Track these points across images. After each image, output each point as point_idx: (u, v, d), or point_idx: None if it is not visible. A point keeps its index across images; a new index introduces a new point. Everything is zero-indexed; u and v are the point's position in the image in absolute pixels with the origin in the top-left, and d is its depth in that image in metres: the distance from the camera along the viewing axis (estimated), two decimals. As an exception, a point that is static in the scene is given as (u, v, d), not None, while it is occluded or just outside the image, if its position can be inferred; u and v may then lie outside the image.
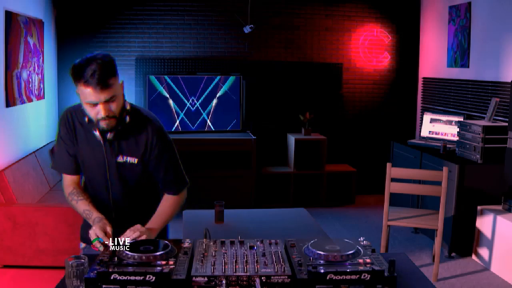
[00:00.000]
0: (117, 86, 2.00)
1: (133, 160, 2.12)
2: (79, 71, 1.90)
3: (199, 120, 5.96)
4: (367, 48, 6.45)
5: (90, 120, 2.03)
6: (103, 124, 2.00)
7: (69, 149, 2.15)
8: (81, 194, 2.17)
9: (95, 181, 2.19)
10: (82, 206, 2.13)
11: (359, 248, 1.79)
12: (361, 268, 1.63)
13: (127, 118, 2.07)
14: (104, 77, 1.92)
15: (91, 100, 1.93)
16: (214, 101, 5.97)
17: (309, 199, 6.05)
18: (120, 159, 2.11)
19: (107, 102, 1.95)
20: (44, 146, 5.18)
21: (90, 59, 1.93)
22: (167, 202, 2.23)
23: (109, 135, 2.05)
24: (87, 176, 2.21)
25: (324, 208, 5.90)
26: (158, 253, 1.71)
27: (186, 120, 5.93)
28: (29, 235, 3.93)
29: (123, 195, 2.19)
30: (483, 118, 4.96)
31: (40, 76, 5.25)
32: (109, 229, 2.00)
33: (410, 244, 4.80)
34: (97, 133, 2.04)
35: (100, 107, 1.95)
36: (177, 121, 5.91)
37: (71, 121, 2.14)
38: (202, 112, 5.96)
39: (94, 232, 1.96)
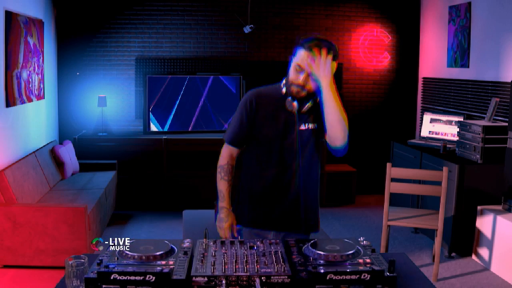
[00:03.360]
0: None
1: (314, 126, 2.28)
2: (312, 38, 2.15)
3: (199, 120, 5.96)
4: (367, 48, 6.45)
5: (287, 92, 2.20)
6: (294, 89, 2.18)
7: (248, 122, 2.27)
8: (228, 173, 2.32)
9: (274, 151, 2.27)
10: (221, 185, 2.31)
11: (359, 248, 1.79)
12: (361, 268, 1.63)
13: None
14: (326, 48, 2.11)
15: (301, 64, 2.12)
16: (214, 101, 5.97)
17: (309, 199, 6.04)
18: (303, 127, 2.26)
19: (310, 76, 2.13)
20: (44, 146, 5.18)
21: (323, 37, 2.20)
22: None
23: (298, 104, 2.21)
24: (264, 147, 2.28)
25: (324, 208, 5.90)
26: (158, 253, 1.71)
27: (186, 120, 5.93)
28: (29, 235, 3.93)
29: (303, 162, 2.35)
30: (483, 118, 4.96)
31: (40, 76, 5.25)
32: (233, 225, 2.27)
33: (410, 244, 4.80)
34: (291, 102, 2.20)
35: (304, 76, 2.14)
36: (177, 121, 5.91)
37: (255, 103, 2.27)
38: (202, 112, 5.96)
39: (223, 232, 2.23)
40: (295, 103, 2.20)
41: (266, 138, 2.26)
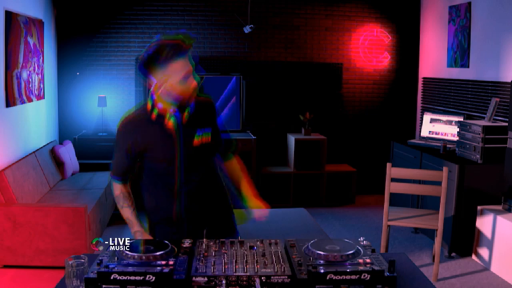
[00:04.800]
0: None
1: (207, 137, 2.18)
2: (160, 51, 1.99)
3: (185, 112, 5.96)
4: (367, 48, 6.45)
5: (159, 115, 2.08)
6: (193, 96, 2.10)
7: (128, 153, 2.19)
8: (127, 199, 2.26)
9: (164, 174, 2.18)
10: (125, 213, 2.23)
11: (359, 248, 1.79)
12: (361, 268, 1.63)
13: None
14: (183, 45, 2.03)
15: (185, 72, 2.02)
16: (214, 101, 5.96)
17: (309, 199, 6.05)
18: (196, 140, 2.15)
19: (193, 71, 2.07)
20: (44, 146, 5.18)
21: (160, 41, 2.02)
22: (236, 166, 2.35)
23: (186, 116, 2.12)
24: (154, 172, 2.20)
25: (324, 208, 5.90)
26: (158, 253, 1.71)
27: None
28: (29, 235, 3.93)
29: (195, 182, 2.20)
30: (483, 118, 4.96)
31: (40, 76, 5.25)
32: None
33: (410, 244, 4.80)
34: (168, 123, 2.09)
35: (191, 78, 2.05)
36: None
37: (130, 128, 2.19)
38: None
39: None
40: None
41: (149, 165, 2.22)
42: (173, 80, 2.03)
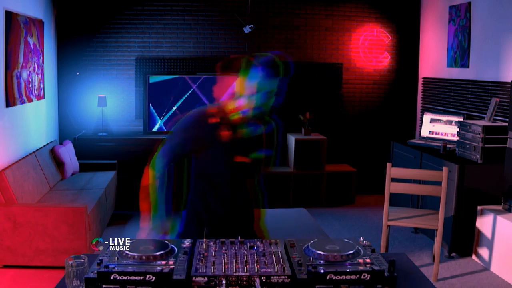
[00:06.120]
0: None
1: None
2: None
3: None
4: (367, 48, 6.45)
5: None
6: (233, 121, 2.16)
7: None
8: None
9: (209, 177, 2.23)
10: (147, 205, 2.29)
11: (359, 248, 1.79)
12: (361, 268, 1.63)
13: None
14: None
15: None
16: (214, 101, 5.96)
17: (309, 199, 6.05)
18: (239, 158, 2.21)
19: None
20: (44, 146, 5.18)
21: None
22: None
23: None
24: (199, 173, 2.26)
25: (324, 208, 5.90)
26: (158, 253, 1.71)
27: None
28: (29, 235, 3.93)
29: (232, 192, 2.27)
30: (483, 118, 4.96)
31: (40, 76, 5.25)
32: None
33: (410, 244, 4.80)
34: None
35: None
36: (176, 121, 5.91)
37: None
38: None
39: None
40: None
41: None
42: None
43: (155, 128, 5.90)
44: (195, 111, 2.22)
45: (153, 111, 5.88)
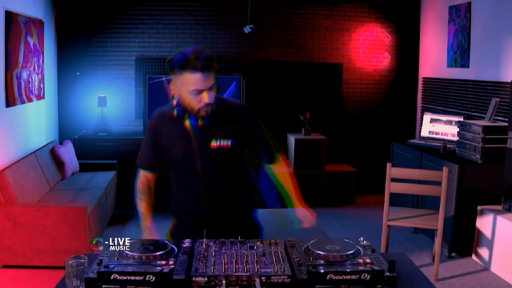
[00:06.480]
0: (214, 76, 2.09)
1: (227, 143, 2.16)
2: (185, 59, 2.04)
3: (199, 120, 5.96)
4: (367, 48, 6.45)
5: (178, 114, 2.12)
6: (203, 112, 2.10)
7: (153, 146, 2.24)
8: (145, 194, 2.30)
9: (185, 173, 2.23)
10: (140, 207, 2.28)
11: (359, 248, 1.79)
12: (361, 268, 1.63)
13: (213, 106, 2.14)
14: (211, 63, 2.03)
15: (197, 88, 2.04)
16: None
17: (309, 199, 6.04)
18: (214, 144, 2.16)
19: (210, 89, 2.07)
20: (44, 146, 5.18)
21: (194, 49, 2.06)
22: (282, 170, 2.35)
23: (200, 123, 2.13)
24: (177, 169, 2.27)
25: (324, 208, 5.90)
26: (158, 253, 1.71)
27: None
28: (29, 235, 3.94)
29: (215, 182, 2.23)
30: (483, 118, 4.96)
31: (40, 76, 5.25)
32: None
33: (410, 244, 4.80)
34: (186, 124, 2.13)
35: (204, 94, 2.06)
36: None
37: (156, 122, 2.23)
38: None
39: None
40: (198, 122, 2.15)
41: (172, 161, 2.25)
42: (185, 89, 2.08)
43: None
44: None
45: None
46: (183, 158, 2.18)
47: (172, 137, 2.19)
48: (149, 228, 2.20)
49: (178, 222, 2.35)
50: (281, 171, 2.36)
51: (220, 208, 2.24)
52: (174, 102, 2.17)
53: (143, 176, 2.31)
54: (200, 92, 2.06)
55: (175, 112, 2.14)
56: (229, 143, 2.17)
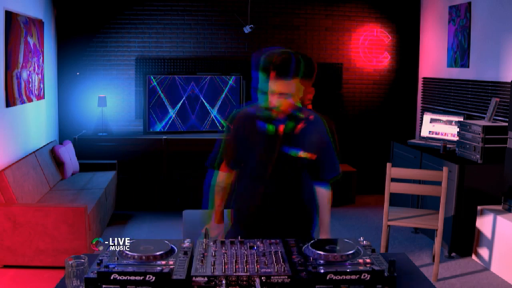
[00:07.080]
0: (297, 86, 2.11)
1: (302, 153, 2.20)
2: (283, 62, 2.06)
3: (199, 120, 5.97)
4: (367, 48, 6.45)
5: (266, 116, 2.17)
6: (282, 115, 2.16)
7: (235, 146, 2.27)
8: (219, 193, 2.35)
9: (255, 173, 2.25)
10: (216, 203, 2.36)
11: (359, 248, 1.79)
12: (361, 268, 1.63)
13: (299, 115, 2.19)
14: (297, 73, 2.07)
15: (280, 93, 2.09)
16: (215, 101, 5.97)
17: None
18: (297, 153, 2.20)
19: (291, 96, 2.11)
20: (44, 146, 5.18)
21: (294, 53, 2.09)
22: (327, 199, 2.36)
23: (287, 129, 2.17)
24: (249, 168, 2.27)
25: (324, 208, 5.89)
26: (158, 253, 1.71)
27: (186, 120, 5.93)
28: (29, 235, 3.94)
29: (278, 187, 2.25)
30: (483, 118, 4.96)
31: (40, 76, 5.25)
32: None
33: (410, 244, 4.80)
34: (271, 127, 2.18)
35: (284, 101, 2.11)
36: (177, 121, 5.91)
37: (241, 122, 2.27)
38: (202, 112, 5.96)
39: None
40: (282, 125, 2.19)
41: (246, 161, 2.27)
42: (273, 93, 2.11)
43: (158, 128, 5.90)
44: None
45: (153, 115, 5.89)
46: (260, 159, 2.22)
47: (253, 138, 2.22)
48: (213, 228, 2.31)
49: (235, 222, 2.37)
50: (326, 196, 2.35)
51: (274, 205, 2.26)
52: (260, 105, 2.19)
53: (223, 175, 2.35)
54: (280, 97, 2.10)
55: (260, 115, 2.18)
56: (314, 155, 2.22)
